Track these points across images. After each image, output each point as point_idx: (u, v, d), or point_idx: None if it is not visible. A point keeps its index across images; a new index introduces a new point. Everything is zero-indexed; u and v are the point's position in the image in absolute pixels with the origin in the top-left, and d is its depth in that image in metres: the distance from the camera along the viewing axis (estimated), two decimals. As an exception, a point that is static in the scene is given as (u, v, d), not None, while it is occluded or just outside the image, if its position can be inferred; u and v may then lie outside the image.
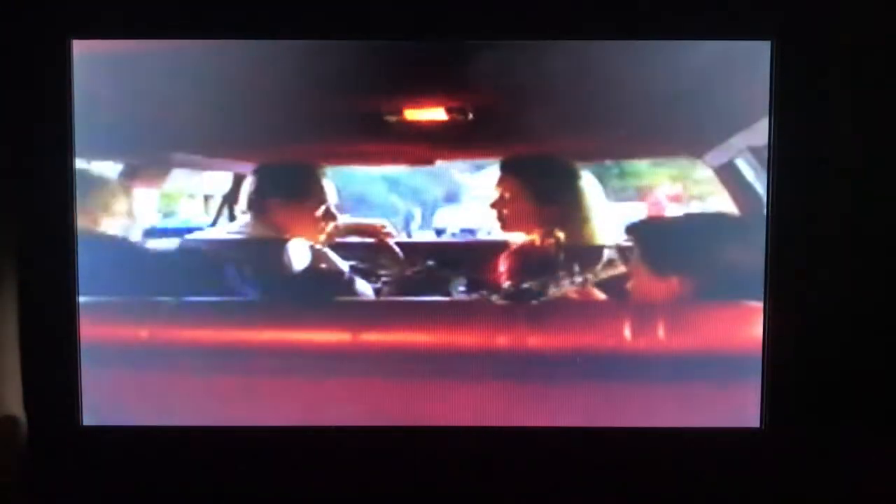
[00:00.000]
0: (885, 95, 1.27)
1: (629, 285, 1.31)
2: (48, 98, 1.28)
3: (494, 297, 1.32)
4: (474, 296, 1.32)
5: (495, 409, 1.33)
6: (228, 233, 1.34)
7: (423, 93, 1.30)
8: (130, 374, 1.33)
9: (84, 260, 1.31)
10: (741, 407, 1.32)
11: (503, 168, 1.31)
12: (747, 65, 1.28)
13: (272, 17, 1.28)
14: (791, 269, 1.29)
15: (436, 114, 1.29)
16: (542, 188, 1.32)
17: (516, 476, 1.33)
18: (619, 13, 1.27)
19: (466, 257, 1.33)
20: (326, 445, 1.33)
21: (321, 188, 1.32)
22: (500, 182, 1.31)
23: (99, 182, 1.31)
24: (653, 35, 1.28)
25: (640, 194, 1.31)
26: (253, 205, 1.33)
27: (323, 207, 1.33)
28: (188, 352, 1.33)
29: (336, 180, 1.32)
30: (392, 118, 1.30)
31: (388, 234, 1.33)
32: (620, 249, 1.31)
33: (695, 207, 1.31)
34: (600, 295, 1.32)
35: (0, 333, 1.30)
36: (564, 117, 1.30)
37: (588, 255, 1.31)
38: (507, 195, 1.32)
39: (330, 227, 1.33)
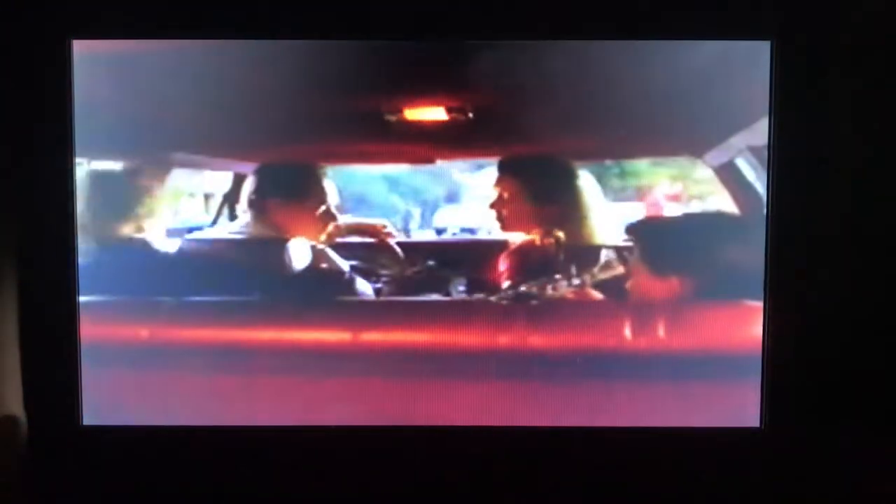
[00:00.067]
0: (885, 95, 1.27)
1: (629, 285, 1.31)
2: (48, 98, 1.28)
3: (494, 297, 1.32)
4: (474, 296, 1.32)
5: (495, 409, 1.33)
6: (229, 232, 1.34)
7: (423, 93, 1.30)
8: (131, 374, 1.33)
9: (84, 260, 1.31)
10: (741, 407, 1.32)
11: (503, 168, 1.31)
12: (747, 65, 1.28)
13: (272, 17, 1.28)
14: (791, 269, 1.29)
15: (436, 113, 1.30)
16: (542, 188, 1.32)
17: (516, 476, 1.33)
18: (619, 13, 1.27)
19: (466, 257, 1.33)
20: (326, 445, 1.33)
21: (322, 188, 1.32)
22: (500, 182, 1.31)
23: (99, 182, 1.31)
24: (653, 35, 1.28)
25: (640, 194, 1.31)
26: (253, 204, 1.33)
27: (323, 207, 1.33)
28: (188, 351, 1.33)
29: (336, 180, 1.32)
30: (392, 118, 1.30)
31: (389, 234, 1.33)
32: (620, 249, 1.31)
33: (695, 207, 1.31)
34: (600, 295, 1.32)
35: (0, 333, 1.30)
36: (564, 117, 1.30)
37: (588, 254, 1.32)
38: (506, 195, 1.32)
39: (330, 226, 1.33)
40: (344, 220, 1.33)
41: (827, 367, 1.30)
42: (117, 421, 1.34)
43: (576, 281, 1.31)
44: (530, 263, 1.32)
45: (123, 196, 1.32)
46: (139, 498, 1.34)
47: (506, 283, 1.32)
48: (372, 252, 1.33)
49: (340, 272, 1.33)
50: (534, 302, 1.32)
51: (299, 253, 1.33)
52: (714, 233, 1.31)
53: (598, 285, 1.31)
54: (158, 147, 1.31)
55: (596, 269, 1.31)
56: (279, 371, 1.33)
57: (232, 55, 1.30)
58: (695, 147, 1.30)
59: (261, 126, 1.31)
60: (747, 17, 1.27)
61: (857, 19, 1.26)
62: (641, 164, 1.31)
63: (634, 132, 1.30)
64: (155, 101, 1.30)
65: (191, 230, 1.33)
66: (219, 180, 1.34)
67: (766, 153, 1.28)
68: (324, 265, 1.33)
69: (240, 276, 1.33)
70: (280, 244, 1.33)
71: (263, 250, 1.33)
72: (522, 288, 1.32)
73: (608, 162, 1.31)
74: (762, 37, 1.27)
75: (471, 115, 1.29)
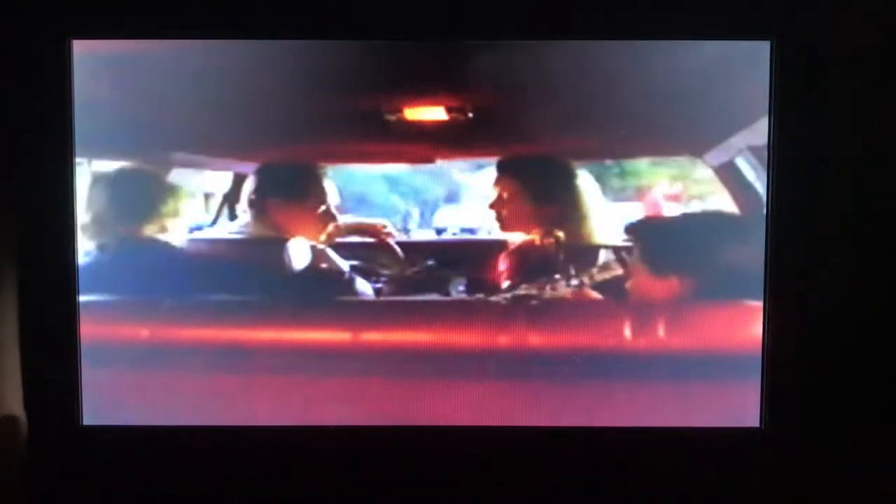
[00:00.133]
0: (885, 95, 1.27)
1: (629, 285, 1.31)
2: (48, 98, 1.28)
3: (494, 297, 1.32)
4: (474, 296, 1.32)
5: (495, 409, 1.33)
6: (229, 232, 1.34)
7: (423, 93, 1.30)
8: (131, 374, 1.33)
9: (84, 260, 1.31)
10: (741, 407, 1.32)
11: (503, 168, 1.31)
12: (747, 65, 1.28)
13: (272, 17, 1.28)
14: (791, 269, 1.29)
15: (436, 113, 1.30)
16: (541, 188, 1.32)
17: (515, 475, 1.33)
18: (618, 13, 1.27)
19: (466, 257, 1.33)
20: (326, 445, 1.33)
21: (322, 188, 1.32)
22: (499, 182, 1.31)
23: (99, 181, 1.31)
24: (652, 35, 1.28)
25: (640, 194, 1.31)
26: (253, 204, 1.33)
27: (323, 207, 1.33)
28: (188, 351, 1.33)
29: (337, 180, 1.32)
30: (392, 118, 1.30)
31: (389, 234, 1.33)
32: (620, 249, 1.31)
33: (695, 207, 1.31)
34: (600, 294, 1.32)
35: (0, 333, 1.30)
36: (564, 117, 1.30)
37: (588, 254, 1.32)
38: (506, 195, 1.32)
39: (330, 226, 1.33)
40: (344, 219, 1.33)
41: (827, 367, 1.30)
42: (117, 421, 1.34)
43: (575, 281, 1.31)
44: (530, 263, 1.32)
45: (123, 196, 1.32)
46: (139, 498, 1.34)
47: (505, 283, 1.32)
48: (372, 252, 1.33)
49: (340, 272, 1.33)
50: (533, 302, 1.32)
51: (299, 253, 1.33)
52: (714, 233, 1.31)
53: (599, 285, 1.31)
54: (158, 147, 1.31)
55: (598, 267, 1.31)
56: (279, 371, 1.33)
57: (232, 55, 1.30)
58: (695, 147, 1.30)
59: (261, 126, 1.31)
60: (747, 18, 1.27)
61: (857, 19, 1.26)
62: (641, 164, 1.31)
63: (634, 132, 1.30)
64: (155, 101, 1.30)
65: (191, 230, 1.33)
66: (219, 180, 1.34)
67: (766, 153, 1.28)
68: (324, 265, 1.33)
69: (240, 276, 1.33)
70: (280, 244, 1.33)
71: (263, 250, 1.33)
72: (522, 288, 1.32)
73: (608, 162, 1.31)
74: (762, 37, 1.27)
75: (471, 115, 1.29)
